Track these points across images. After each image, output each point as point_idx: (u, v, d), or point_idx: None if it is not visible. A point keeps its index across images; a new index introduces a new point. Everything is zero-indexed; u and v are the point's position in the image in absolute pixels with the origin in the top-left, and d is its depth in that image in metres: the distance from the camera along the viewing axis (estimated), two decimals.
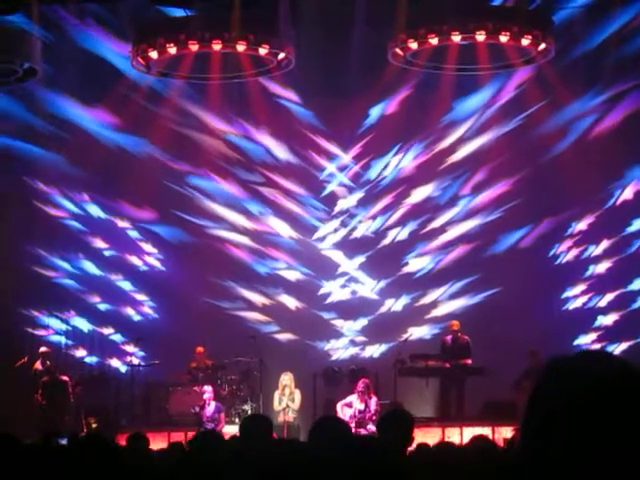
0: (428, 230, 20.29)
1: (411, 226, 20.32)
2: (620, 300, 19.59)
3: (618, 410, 1.61)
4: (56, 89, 19.36)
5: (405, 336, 19.22)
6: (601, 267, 19.76)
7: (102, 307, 20.33)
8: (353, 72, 18.96)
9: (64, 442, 9.28)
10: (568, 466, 1.61)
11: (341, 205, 20.53)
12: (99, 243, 20.36)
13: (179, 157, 20.21)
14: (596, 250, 19.81)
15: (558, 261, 19.97)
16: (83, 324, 20.17)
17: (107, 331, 20.25)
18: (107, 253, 20.39)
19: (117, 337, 20.20)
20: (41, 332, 19.86)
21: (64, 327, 20.00)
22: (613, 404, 1.62)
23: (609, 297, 19.64)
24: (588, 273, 19.82)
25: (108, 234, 20.40)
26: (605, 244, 19.75)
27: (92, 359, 20.14)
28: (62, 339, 19.92)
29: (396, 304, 20.23)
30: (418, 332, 19.81)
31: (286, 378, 17.95)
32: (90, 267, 20.30)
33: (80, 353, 20.10)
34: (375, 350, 20.15)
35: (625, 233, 19.74)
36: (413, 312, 20.09)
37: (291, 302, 20.40)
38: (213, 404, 16.95)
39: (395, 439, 5.99)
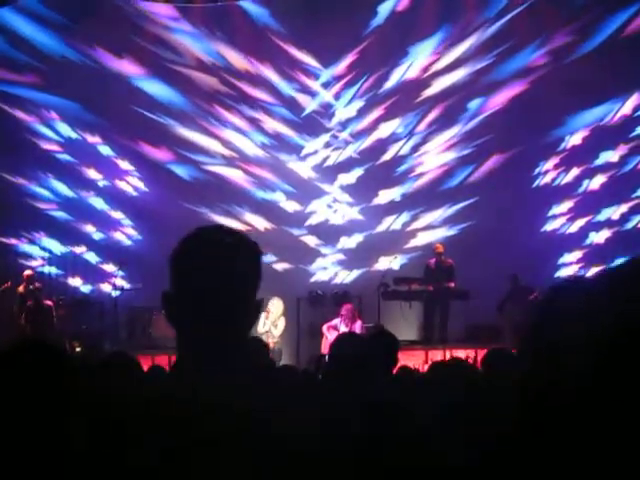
0: (416, 153, 20.17)
1: (397, 147, 20.20)
2: (611, 219, 19.57)
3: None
4: (33, 15, 19.07)
5: (389, 259, 19.20)
6: (595, 183, 19.64)
7: (86, 230, 20.21)
8: None
9: None
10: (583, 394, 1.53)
11: (323, 124, 20.34)
12: (80, 167, 20.16)
13: (159, 83, 19.94)
14: (589, 167, 19.65)
15: (545, 180, 19.88)
16: (63, 249, 20.04)
17: (91, 256, 20.17)
18: (92, 179, 20.19)
19: (98, 260, 20.11)
20: (28, 261, 19.72)
21: (46, 254, 19.90)
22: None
23: (600, 216, 19.62)
24: (580, 190, 19.74)
25: (86, 156, 20.14)
26: (599, 161, 19.60)
27: (86, 287, 20.04)
28: (48, 267, 19.83)
29: (380, 228, 20.21)
30: (401, 258, 19.80)
31: (275, 303, 17.64)
32: (66, 190, 20.08)
33: (74, 282, 20.02)
34: (357, 274, 20.15)
35: (621, 150, 19.57)
36: (396, 237, 20.06)
37: (269, 225, 20.27)
38: None
39: (381, 360, 6.01)
